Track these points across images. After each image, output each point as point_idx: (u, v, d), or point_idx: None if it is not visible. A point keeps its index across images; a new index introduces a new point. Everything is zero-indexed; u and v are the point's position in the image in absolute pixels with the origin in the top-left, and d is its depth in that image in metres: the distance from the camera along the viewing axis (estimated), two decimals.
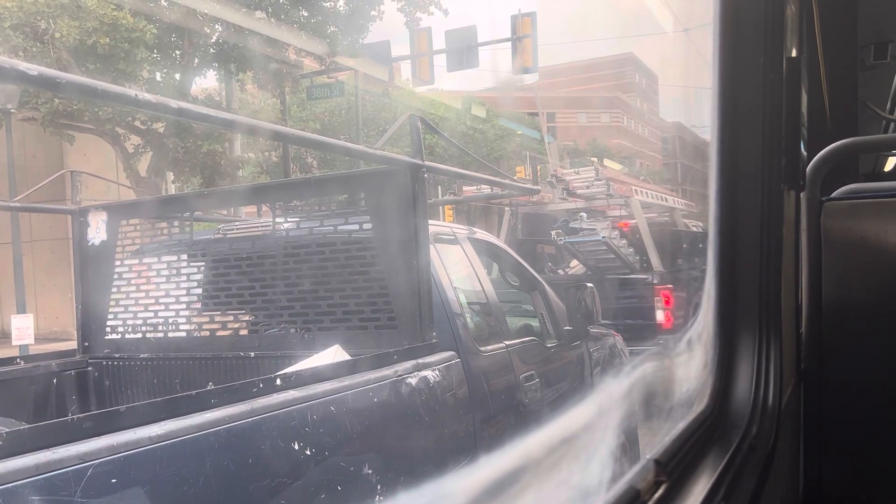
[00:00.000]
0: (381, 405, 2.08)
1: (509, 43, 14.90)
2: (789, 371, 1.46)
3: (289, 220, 2.94)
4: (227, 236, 3.08)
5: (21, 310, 10.32)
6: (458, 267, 3.07)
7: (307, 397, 1.83)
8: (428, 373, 2.36)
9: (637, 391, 1.16)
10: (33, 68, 1.53)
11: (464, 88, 33.39)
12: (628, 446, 1.20)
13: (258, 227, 3.05)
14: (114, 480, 1.29)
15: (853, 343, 1.63)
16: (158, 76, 12.45)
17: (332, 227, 2.75)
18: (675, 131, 53.89)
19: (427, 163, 2.61)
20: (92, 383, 3.07)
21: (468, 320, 2.93)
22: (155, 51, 11.62)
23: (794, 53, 1.40)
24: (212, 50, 13.09)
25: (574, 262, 8.43)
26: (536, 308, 3.75)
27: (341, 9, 13.68)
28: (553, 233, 7.60)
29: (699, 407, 1.18)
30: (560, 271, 8.53)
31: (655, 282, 7.43)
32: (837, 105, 2.30)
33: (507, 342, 3.10)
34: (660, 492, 0.85)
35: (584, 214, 7.87)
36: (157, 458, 1.40)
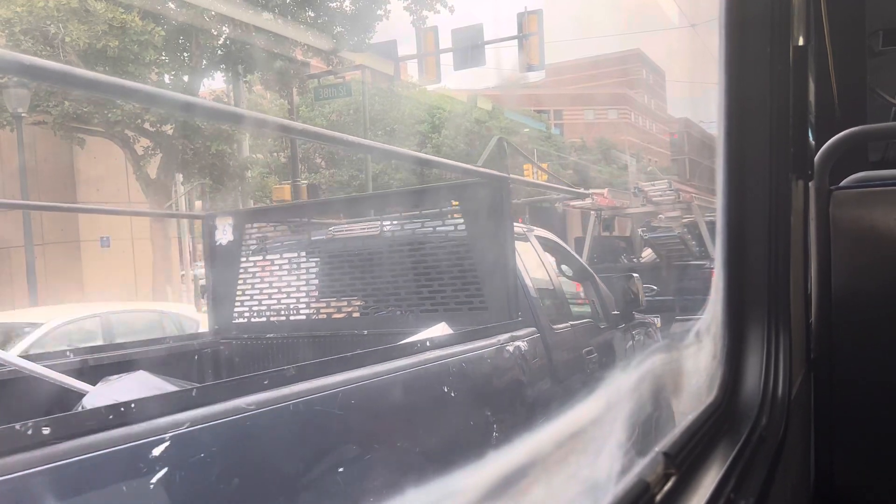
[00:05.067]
0: (492, 364, 2.69)
1: (516, 41, 14.88)
2: (799, 361, 1.45)
3: (394, 222, 3.55)
4: (336, 237, 3.72)
5: None
6: (530, 259, 3.66)
7: (447, 356, 2.42)
8: (519, 343, 2.92)
9: (647, 383, 1.15)
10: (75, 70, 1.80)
11: (470, 87, 33.37)
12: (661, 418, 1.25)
13: (367, 229, 3.63)
14: (286, 422, 1.66)
15: (863, 332, 1.62)
16: (167, 78, 12.53)
17: (431, 228, 3.36)
18: (683, 127, 53.64)
19: (511, 175, 3.35)
20: (224, 359, 3.65)
21: (542, 303, 3.49)
22: (163, 53, 11.69)
23: (801, 41, 1.39)
24: (219, 52, 13.16)
25: (645, 253, 10.88)
26: (588, 295, 4.36)
27: (348, 9, 13.71)
28: (640, 230, 10.33)
29: (708, 398, 1.17)
30: (635, 259, 11.05)
31: (711, 266, 9.46)
32: (846, 93, 2.28)
33: (571, 322, 3.74)
34: (669, 484, 0.84)
35: (662, 216, 10.39)
36: (350, 396, 1.88)
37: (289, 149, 18.60)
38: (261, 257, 3.75)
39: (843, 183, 1.72)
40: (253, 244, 3.76)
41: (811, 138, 1.63)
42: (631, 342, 4.33)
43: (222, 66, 13.41)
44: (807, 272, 1.64)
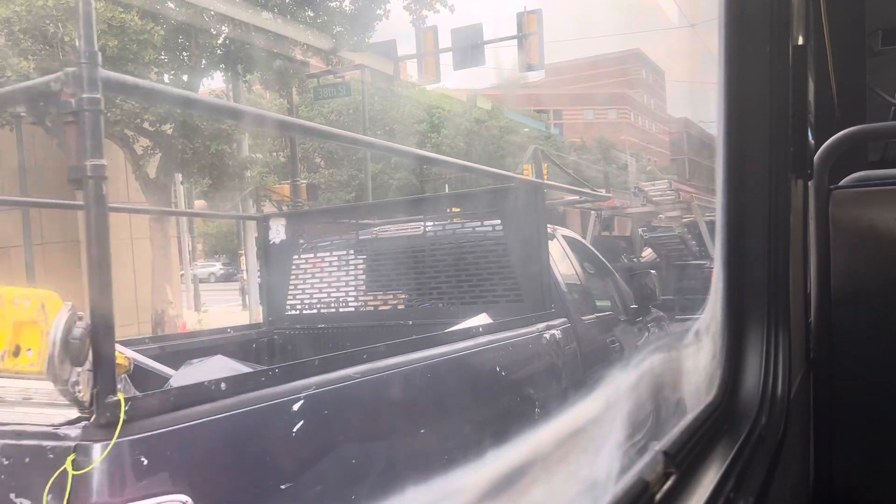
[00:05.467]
0: (533, 349, 3.10)
1: (515, 40, 14.86)
2: (798, 361, 1.45)
3: (436, 223, 3.89)
4: (380, 237, 4.05)
5: None
6: (558, 256, 4.02)
7: (497, 339, 2.82)
8: (554, 331, 3.30)
9: (646, 382, 1.15)
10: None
11: (470, 87, 33.35)
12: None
13: (410, 229, 3.99)
14: (359, 395, 2.04)
15: (862, 332, 1.62)
16: (166, 78, 12.52)
17: (471, 229, 3.70)
18: (683, 127, 53.62)
19: (545, 181, 4.03)
20: (278, 347, 3.99)
21: (571, 296, 3.89)
22: (163, 52, 11.67)
23: (800, 41, 1.39)
24: (219, 51, 13.14)
25: (645, 252, 10.92)
26: (608, 290, 4.74)
27: (347, 8, 13.70)
28: (640, 230, 10.48)
29: (708, 398, 1.17)
30: (635, 259, 11.13)
31: (711, 266, 9.63)
32: (845, 92, 2.28)
33: (597, 314, 4.15)
34: (669, 483, 0.84)
35: (662, 216, 10.60)
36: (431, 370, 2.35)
37: (288, 148, 18.59)
38: (311, 255, 4.11)
39: (842, 182, 1.72)
40: (304, 243, 4.13)
41: (811, 138, 1.63)
42: (647, 333, 4.73)
43: (221, 65, 13.39)
44: (806, 272, 1.64)
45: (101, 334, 1.54)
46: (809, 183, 1.61)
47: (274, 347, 3.98)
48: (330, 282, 4.03)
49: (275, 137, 18.82)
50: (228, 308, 21.06)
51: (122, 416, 1.44)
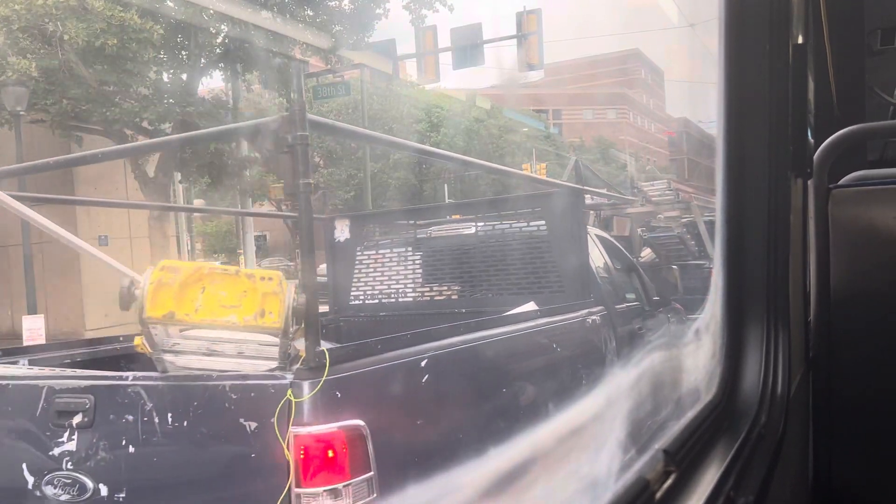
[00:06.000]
0: (579, 331, 3.68)
1: (515, 40, 14.86)
2: (798, 359, 1.45)
3: (486, 223, 4.38)
4: (434, 235, 4.57)
5: (32, 311, 10.38)
6: (593, 252, 4.50)
7: (550, 322, 3.42)
8: (595, 317, 3.86)
9: (646, 381, 1.15)
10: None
11: (469, 86, 33.34)
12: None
13: (462, 228, 4.51)
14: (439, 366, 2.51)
15: (862, 330, 1.62)
16: (165, 76, 12.50)
17: (518, 228, 4.19)
18: (682, 126, 53.64)
19: (585, 187, 4.61)
20: (343, 332, 4.49)
21: (605, 288, 4.40)
22: (162, 51, 11.66)
23: (800, 40, 1.39)
24: (218, 50, 13.12)
25: (644, 252, 11.17)
26: (633, 283, 5.24)
27: (346, 7, 13.69)
28: (639, 230, 10.63)
29: (707, 396, 1.17)
30: (634, 259, 11.31)
31: (710, 266, 9.42)
32: (844, 91, 2.28)
33: (626, 303, 4.71)
34: (669, 482, 0.84)
35: (661, 216, 10.67)
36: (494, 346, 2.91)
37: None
38: (373, 251, 4.64)
39: (841, 181, 1.72)
40: (366, 241, 4.67)
41: (810, 137, 1.63)
42: (668, 322, 5.30)
43: (221, 64, 13.38)
44: (806, 270, 1.64)
45: (310, 305, 2.10)
46: (809, 182, 1.61)
47: (340, 332, 4.49)
48: (390, 275, 4.56)
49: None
50: None
51: (327, 362, 2.02)
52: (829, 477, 1.65)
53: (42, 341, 10.13)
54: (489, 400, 2.83)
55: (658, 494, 0.81)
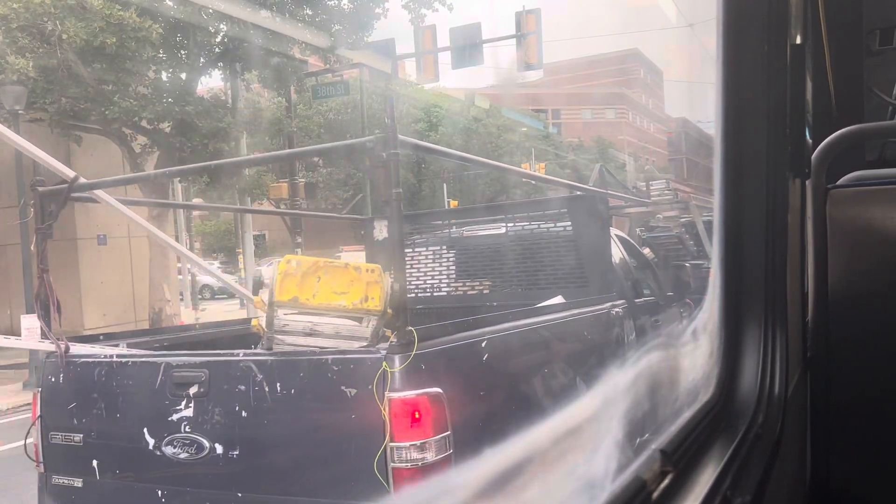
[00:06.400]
0: (605, 321, 4.14)
1: (514, 39, 14.85)
2: (795, 360, 1.45)
3: (516, 224, 4.78)
4: (465, 235, 5.02)
5: (30, 310, 10.36)
6: (614, 250, 4.87)
7: (580, 312, 3.92)
8: (618, 309, 4.31)
9: (644, 381, 1.15)
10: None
11: (468, 85, 33.33)
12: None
13: (494, 228, 4.91)
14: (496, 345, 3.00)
15: (860, 331, 1.62)
16: (164, 76, 12.48)
17: (546, 229, 4.61)
18: (681, 126, 53.65)
19: (608, 192, 5.13)
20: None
21: (625, 283, 4.81)
22: (161, 50, 11.64)
23: (798, 40, 1.39)
24: (217, 49, 13.10)
25: (644, 251, 11.26)
26: (649, 279, 5.69)
27: (345, 7, 13.67)
28: (638, 230, 10.91)
29: (705, 396, 1.17)
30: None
31: (708, 266, 9.72)
32: (843, 91, 2.28)
33: (645, 298, 5.18)
34: (666, 482, 0.84)
35: (661, 216, 10.92)
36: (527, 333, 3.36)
37: (286, 148, 18.55)
38: (410, 249, 4.99)
39: (840, 182, 1.72)
40: (405, 239, 4.82)
41: (808, 137, 1.63)
42: (680, 316, 5.64)
43: (220, 63, 13.36)
44: (803, 270, 1.64)
45: (402, 293, 2.54)
46: (807, 182, 1.61)
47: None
48: (425, 271, 4.92)
49: (273, 136, 18.77)
50: (227, 306, 21.05)
51: (416, 340, 2.44)
52: (826, 477, 1.65)
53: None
54: (534, 376, 3.29)
55: (655, 494, 0.81)
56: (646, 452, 0.87)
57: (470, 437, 2.55)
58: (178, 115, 11.62)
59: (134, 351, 3.18)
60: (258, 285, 2.66)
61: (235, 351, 2.79)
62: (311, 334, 2.67)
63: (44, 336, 3.27)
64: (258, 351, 2.79)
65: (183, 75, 12.56)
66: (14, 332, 13.70)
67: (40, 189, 3.39)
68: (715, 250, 1.26)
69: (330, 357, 2.53)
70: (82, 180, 3.51)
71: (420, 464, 2.39)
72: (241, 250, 19.41)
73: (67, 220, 15.59)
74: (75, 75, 10.62)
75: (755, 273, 1.25)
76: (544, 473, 0.82)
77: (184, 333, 3.79)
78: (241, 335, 3.80)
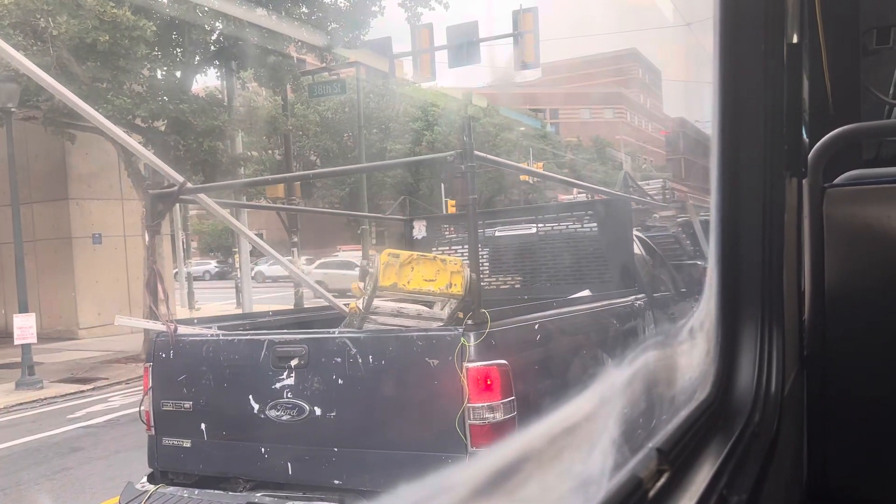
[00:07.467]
0: (628, 311, 4.72)
1: (511, 38, 14.84)
2: (792, 358, 1.45)
3: (545, 224, 5.35)
4: (496, 235, 5.53)
5: (23, 309, 10.30)
6: (635, 249, 5.44)
7: (608, 303, 4.50)
8: (640, 301, 4.89)
9: (640, 379, 1.15)
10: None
11: (465, 84, 33.31)
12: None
13: (524, 228, 5.45)
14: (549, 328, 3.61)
15: (856, 329, 1.62)
16: (159, 74, 12.43)
17: (573, 230, 5.18)
18: (679, 126, 53.74)
19: (632, 196, 6.38)
20: None
21: (645, 279, 5.39)
22: (156, 48, 11.58)
23: (794, 39, 1.39)
24: (213, 47, 13.06)
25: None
26: (664, 276, 6.14)
27: (342, 5, 13.64)
28: (635, 229, 11.00)
29: (701, 395, 1.17)
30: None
31: (705, 266, 10.24)
32: (839, 91, 2.29)
33: (662, 292, 5.72)
34: (662, 480, 0.84)
35: (657, 215, 11.32)
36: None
37: (283, 146, 18.51)
38: (446, 247, 5.63)
39: (836, 181, 1.72)
40: (439, 238, 5.71)
41: (805, 136, 1.63)
42: (692, 310, 5.88)
43: (215, 61, 13.31)
44: (800, 270, 1.64)
45: (477, 282, 3.08)
46: (804, 181, 1.61)
47: None
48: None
49: (269, 135, 18.73)
50: (222, 306, 21.00)
51: (489, 320, 2.93)
52: (823, 475, 1.65)
53: (33, 340, 10.05)
54: (574, 355, 3.82)
55: (651, 493, 0.80)
56: (642, 451, 0.86)
57: (528, 402, 3.04)
58: (173, 113, 11.58)
59: (239, 331, 3.73)
60: (364, 273, 3.22)
61: (332, 330, 3.34)
62: (397, 315, 3.25)
63: (154, 317, 3.75)
64: (352, 329, 3.30)
65: (178, 73, 12.51)
66: (7, 331, 13.55)
67: (151, 192, 3.90)
68: (712, 249, 1.26)
69: (416, 334, 3.06)
70: (189, 185, 4.00)
71: (491, 421, 2.88)
72: (237, 249, 19.37)
73: (62, 218, 15.54)
74: (69, 73, 10.55)
75: (752, 272, 1.25)
76: (541, 472, 0.82)
77: (260, 319, 4.37)
78: (307, 320, 4.43)
